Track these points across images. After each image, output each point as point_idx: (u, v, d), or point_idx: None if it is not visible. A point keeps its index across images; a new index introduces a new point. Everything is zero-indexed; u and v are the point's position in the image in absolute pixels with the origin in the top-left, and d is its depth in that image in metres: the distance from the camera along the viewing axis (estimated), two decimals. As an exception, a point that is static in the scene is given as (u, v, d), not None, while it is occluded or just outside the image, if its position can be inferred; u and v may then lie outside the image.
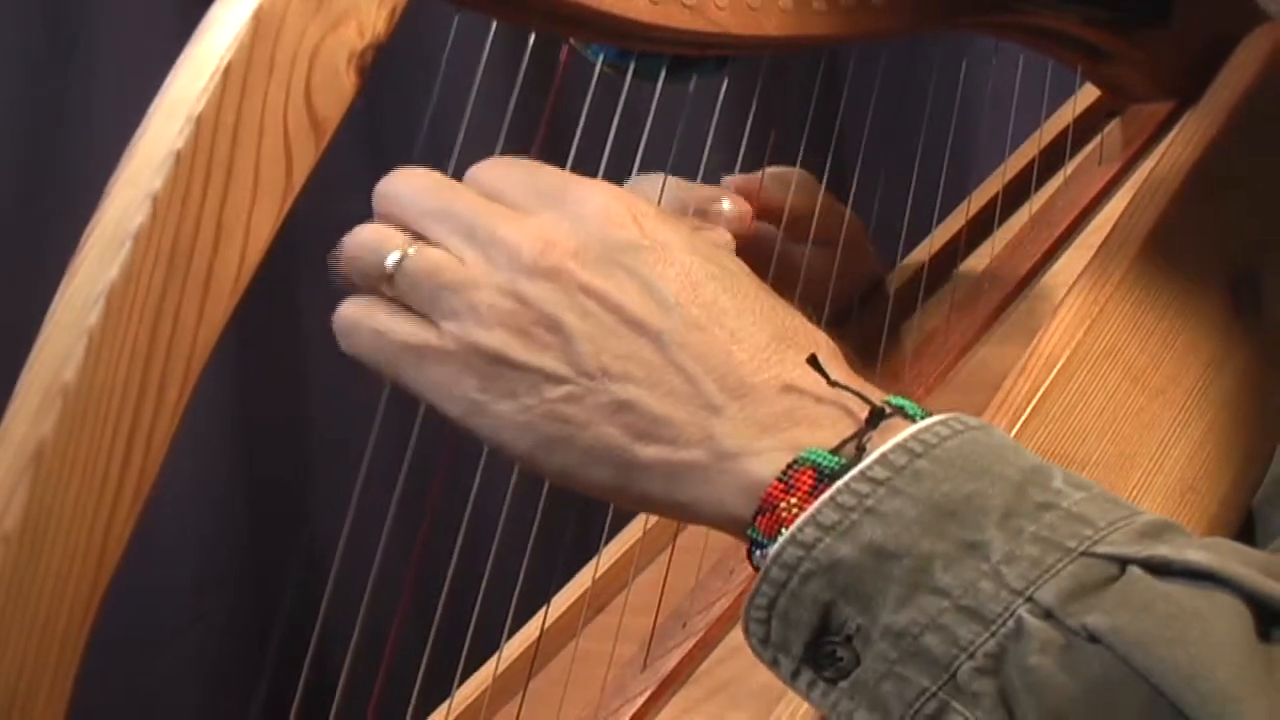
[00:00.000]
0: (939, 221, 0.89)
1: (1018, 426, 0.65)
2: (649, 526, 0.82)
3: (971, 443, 0.51)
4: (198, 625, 1.23)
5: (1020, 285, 0.82)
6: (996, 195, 0.88)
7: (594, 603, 0.81)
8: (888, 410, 0.53)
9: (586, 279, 0.54)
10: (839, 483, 0.50)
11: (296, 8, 0.55)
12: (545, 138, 0.70)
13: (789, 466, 0.52)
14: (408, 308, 0.56)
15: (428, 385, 0.56)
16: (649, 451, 0.53)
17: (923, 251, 0.89)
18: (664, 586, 0.77)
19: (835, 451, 0.52)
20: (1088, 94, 0.90)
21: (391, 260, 0.56)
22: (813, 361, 0.54)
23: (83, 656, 0.53)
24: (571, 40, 0.70)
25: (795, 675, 0.52)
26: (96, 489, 0.53)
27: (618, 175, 0.72)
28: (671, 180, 0.77)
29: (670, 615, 0.76)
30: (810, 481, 0.51)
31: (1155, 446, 0.66)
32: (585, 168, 0.68)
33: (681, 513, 0.55)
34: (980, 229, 0.88)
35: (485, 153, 0.60)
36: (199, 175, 0.54)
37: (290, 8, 0.55)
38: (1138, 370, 0.68)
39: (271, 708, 0.70)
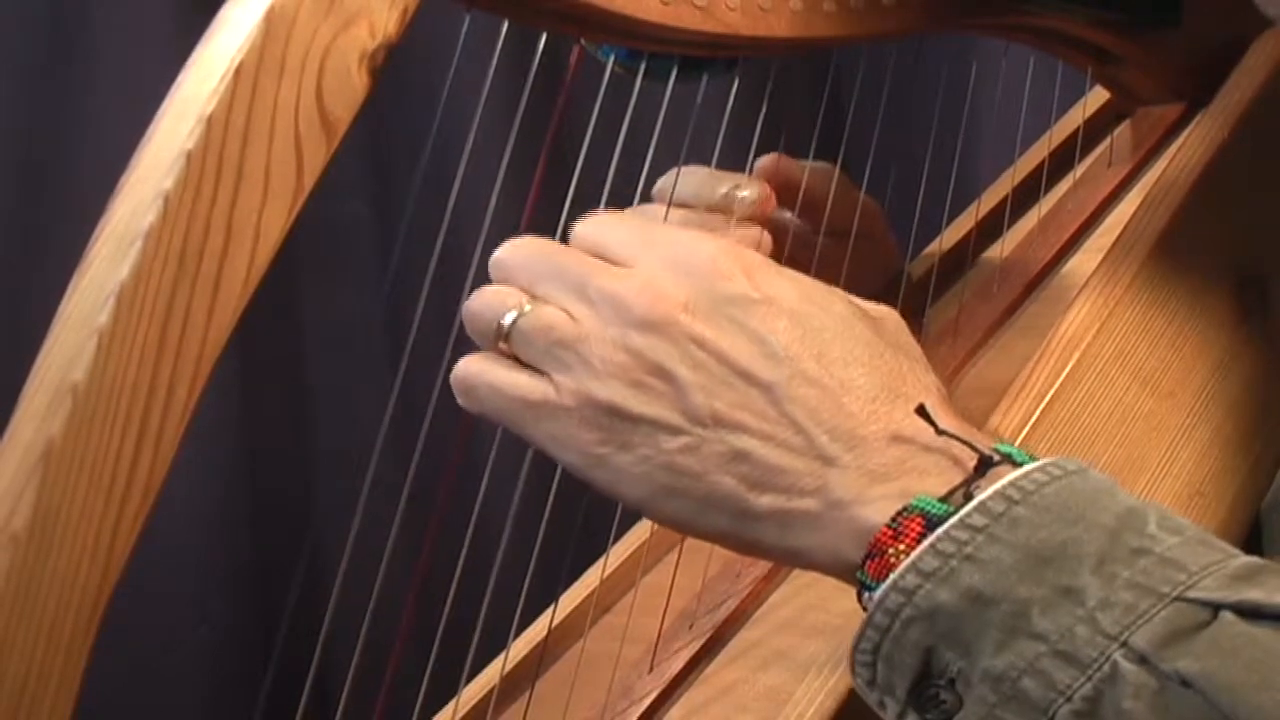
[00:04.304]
0: (948, 223, 0.89)
1: (1027, 429, 0.65)
2: (656, 528, 0.82)
3: (1068, 489, 0.52)
4: (202, 629, 1.23)
5: (1029, 288, 0.82)
6: (1006, 197, 0.87)
7: (601, 603, 0.81)
8: (996, 459, 0.54)
9: (697, 330, 0.55)
10: (939, 530, 0.52)
11: (308, 8, 0.55)
12: (554, 139, 0.70)
13: (898, 514, 0.53)
14: (524, 364, 0.57)
15: (547, 438, 0.57)
16: (764, 500, 0.55)
17: (931, 253, 0.89)
18: (671, 588, 0.77)
19: (944, 499, 0.53)
20: (1098, 96, 0.90)
21: (508, 319, 0.57)
22: (921, 410, 0.55)
23: (89, 658, 0.53)
24: (582, 41, 0.70)
25: (901, 717, 0.53)
26: (105, 489, 0.53)
27: (627, 175, 0.72)
28: (692, 169, 0.78)
29: (677, 617, 0.76)
30: (919, 529, 0.52)
31: (1163, 450, 0.67)
32: (595, 168, 0.68)
33: (793, 558, 0.57)
34: (989, 231, 0.87)
35: (494, 155, 0.60)
36: (210, 176, 0.54)
37: (302, 8, 0.55)
38: (1146, 373, 0.68)
39: (277, 708, 0.70)
